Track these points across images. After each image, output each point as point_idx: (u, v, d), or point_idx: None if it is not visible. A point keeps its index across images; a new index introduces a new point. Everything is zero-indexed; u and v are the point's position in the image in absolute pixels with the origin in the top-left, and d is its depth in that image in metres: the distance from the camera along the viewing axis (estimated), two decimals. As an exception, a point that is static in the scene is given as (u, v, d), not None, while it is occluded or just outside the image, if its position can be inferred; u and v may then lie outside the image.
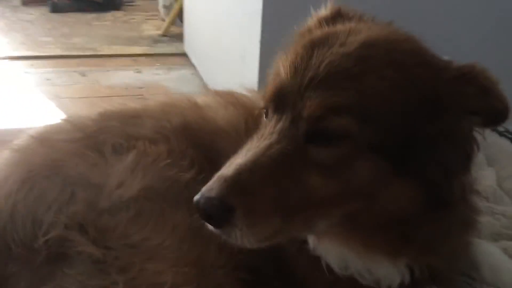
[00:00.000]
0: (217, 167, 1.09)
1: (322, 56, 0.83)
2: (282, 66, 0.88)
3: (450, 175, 0.85)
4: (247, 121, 1.15)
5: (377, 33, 0.88)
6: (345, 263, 0.96)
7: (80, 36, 3.98)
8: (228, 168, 0.81)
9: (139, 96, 2.87)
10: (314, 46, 0.86)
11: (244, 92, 1.30)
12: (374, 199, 0.84)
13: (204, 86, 3.00)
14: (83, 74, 3.14)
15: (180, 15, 3.95)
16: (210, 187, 0.79)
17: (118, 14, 4.89)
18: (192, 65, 3.42)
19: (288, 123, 0.83)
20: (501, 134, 1.78)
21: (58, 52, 3.56)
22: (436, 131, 0.82)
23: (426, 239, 0.90)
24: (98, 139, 1.05)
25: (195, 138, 1.12)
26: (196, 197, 0.80)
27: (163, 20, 4.40)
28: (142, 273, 0.89)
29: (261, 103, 1.16)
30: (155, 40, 4.04)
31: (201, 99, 1.24)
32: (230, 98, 1.21)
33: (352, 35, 0.86)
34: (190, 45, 3.52)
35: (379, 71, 0.82)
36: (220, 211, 0.78)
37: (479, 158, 1.63)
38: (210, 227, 0.83)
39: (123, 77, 3.15)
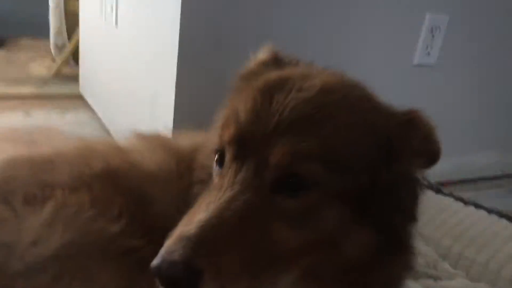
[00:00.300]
0: (147, 216, 1.00)
1: (282, 101, 0.80)
2: (239, 111, 0.83)
3: (405, 218, 0.86)
4: (178, 165, 1.07)
5: (330, 79, 0.87)
6: None
7: (-43, 76, 3.58)
8: (189, 226, 0.72)
9: (30, 141, 2.61)
10: (271, 90, 0.83)
11: (175, 134, 1.22)
12: (335, 248, 0.81)
13: (105, 130, 2.83)
14: (-38, 118, 2.80)
15: (74, 55, 3.75)
16: (171, 249, 0.69)
17: (0, 53, 4.51)
18: (89, 108, 3.22)
19: (252, 172, 0.77)
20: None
21: None
22: (392, 175, 0.82)
23: (375, 286, 0.89)
24: (4, 190, 0.91)
25: (121, 185, 1.00)
26: (156, 263, 0.69)
27: (53, 60, 4.14)
28: None
29: (196, 147, 1.10)
30: (45, 81, 3.76)
31: (122, 143, 1.14)
32: (157, 141, 1.13)
33: (307, 80, 0.84)
34: (87, 86, 3.33)
35: (339, 117, 0.81)
36: (187, 276, 0.68)
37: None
38: None
39: (10, 120, 2.86)
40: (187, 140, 1.16)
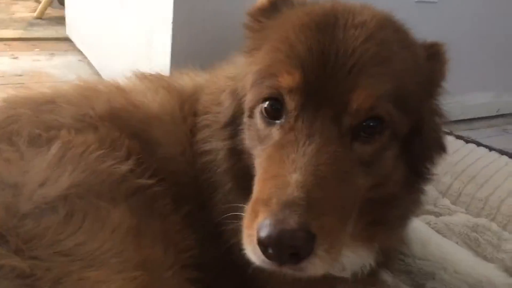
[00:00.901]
0: (152, 158, 0.98)
1: (345, 39, 0.77)
2: (293, 53, 0.77)
3: (436, 150, 0.92)
4: (182, 107, 1.04)
5: (376, 13, 0.85)
6: None
7: None
8: (287, 189, 0.69)
9: (19, 85, 2.54)
10: (325, 27, 0.79)
11: (176, 75, 1.18)
12: (384, 185, 0.83)
13: (96, 73, 2.75)
14: None
15: (58, -4, 3.61)
16: (282, 217, 0.66)
17: (-20, -6, 4.31)
18: (78, 51, 3.12)
19: (330, 120, 0.74)
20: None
21: None
22: (428, 109, 0.86)
23: (391, 221, 0.91)
24: (7, 130, 0.88)
25: (125, 127, 0.98)
26: (268, 232, 0.66)
27: (38, 1, 3.98)
28: (82, 284, 0.73)
29: (199, 88, 1.06)
30: (30, 24, 3.63)
31: (123, 83, 1.10)
32: (160, 82, 1.09)
33: (354, 15, 0.82)
34: (74, 29, 3.21)
35: (400, 54, 0.81)
36: (307, 243, 0.67)
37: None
38: (276, 266, 0.70)
39: (-2, 63, 2.77)
40: (189, 80, 1.12)
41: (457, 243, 1.28)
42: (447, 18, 2.41)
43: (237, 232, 0.92)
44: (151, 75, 1.13)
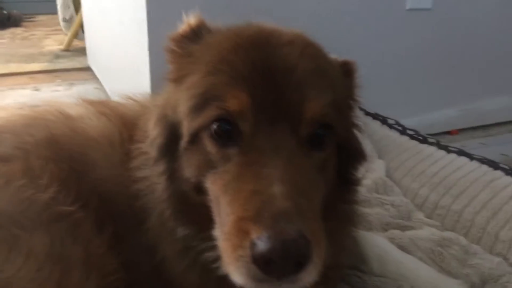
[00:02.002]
0: (88, 180, 1.02)
1: (282, 57, 0.80)
2: (236, 74, 0.79)
3: (359, 159, 0.95)
4: (121, 131, 1.08)
5: (297, 32, 0.89)
6: None
7: (-28, 56, 3.71)
8: (277, 201, 0.69)
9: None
10: (258, 47, 0.81)
11: (124, 101, 1.22)
12: (325, 190, 0.85)
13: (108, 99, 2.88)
14: (-27, 96, 2.91)
15: (83, 27, 3.79)
16: (280, 229, 0.66)
17: (17, 31, 4.64)
18: (96, 79, 3.28)
19: (287, 133, 0.77)
20: (391, 126, 1.84)
21: None
22: (350, 122, 0.93)
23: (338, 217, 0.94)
24: None
25: (61, 151, 1.02)
26: (269, 247, 0.65)
27: (66, 34, 4.21)
28: None
29: (141, 114, 1.09)
30: (56, 56, 3.85)
31: (74, 110, 1.16)
32: (102, 108, 1.14)
33: (282, 34, 0.85)
34: (93, 58, 3.38)
35: (329, 68, 0.87)
36: (309, 250, 0.67)
37: (370, 151, 1.68)
38: (274, 282, 0.68)
39: (19, 96, 2.95)
40: (134, 106, 1.16)
41: (421, 258, 1.23)
42: (442, 25, 2.34)
43: (176, 254, 0.96)
44: (97, 102, 1.18)
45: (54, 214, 0.92)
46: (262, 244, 0.65)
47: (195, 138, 0.84)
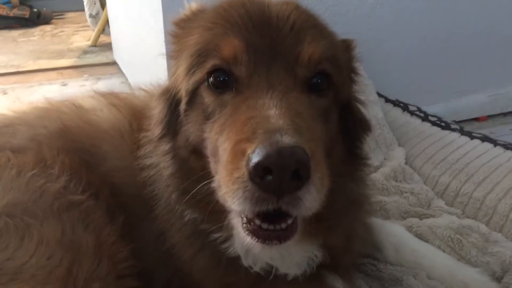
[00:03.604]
0: (99, 171, 1.04)
1: (277, 9, 0.82)
2: (231, 25, 0.81)
3: (364, 129, 0.96)
4: (131, 122, 1.10)
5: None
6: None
7: (3, 54, 3.82)
8: (272, 119, 0.68)
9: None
10: (254, 3, 0.84)
11: (136, 92, 1.24)
12: (332, 156, 0.85)
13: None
14: (4, 92, 3.00)
15: (109, 23, 3.85)
16: (275, 140, 0.63)
17: (47, 28, 4.75)
18: (122, 73, 3.32)
19: (283, 72, 0.77)
20: (412, 113, 1.80)
21: (-21, 72, 3.40)
22: (353, 93, 0.94)
23: (333, 215, 0.89)
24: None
25: (73, 143, 1.05)
26: (264, 154, 0.62)
27: (94, 30, 4.28)
28: None
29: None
30: (84, 52, 3.92)
31: (87, 102, 1.18)
32: (113, 100, 1.16)
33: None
34: (118, 52, 3.42)
35: (326, 27, 0.89)
36: (307, 160, 0.63)
37: (390, 138, 1.64)
38: (273, 200, 0.65)
39: (47, 91, 3.02)
40: (144, 97, 1.17)
41: (439, 246, 1.20)
42: (471, 5, 2.25)
43: (185, 239, 0.97)
44: (108, 93, 1.20)
45: (65, 203, 0.94)
46: (256, 156, 0.63)
47: (193, 96, 0.85)
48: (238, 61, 0.78)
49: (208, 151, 0.82)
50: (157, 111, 0.97)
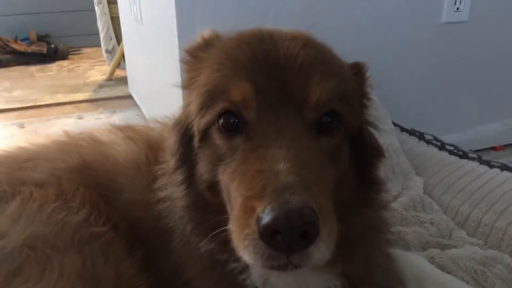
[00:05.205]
0: (116, 204, 1.05)
1: (284, 48, 0.81)
2: (240, 67, 0.81)
3: (377, 155, 0.94)
4: (147, 154, 1.11)
5: (295, 30, 0.89)
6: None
7: (21, 88, 3.90)
8: (281, 176, 0.68)
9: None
10: (262, 41, 0.83)
11: (152, 124, 1.26)
12: (343, 187, 0.85)
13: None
14: (21, 126, 3.05)
15: (124, 57, 3.93)
16: (284, 200, 0.65)
17: (64, 63, 4.85)
18: (137, 106, 3.38)
19: (292, 116, 0.77)
20: (428, 142, 1.78)
21: (-3, 107, 3.47)
22: (365, 119, 0.93)
23: (351, 242, 0.88)
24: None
25: (92, 177, 1.07)
26: (273, 217, 0.64)
27: (109, 65, 4.37)
28: None
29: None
30: (100, 85, 3.99)
31: (104, 136, 1.20)
32: (130, 133, 1.17)
33: (285, 33, 0.86)
34: (133, 86, 3.49)
35: (335, 60, 0.88)
36: (315, 220, 0.65)
37: (407, 168, 1.63)
38: (282, 259, 0.67)
39: (63, 124, 3.07)
40: (159, 129, 1.19)
41: (462, 278, 1.17)
42: (480, 37, 2.27)
43: (202, 272, 0.96)
44: (125, 127, 1.22)
45: (86, 235, 0.94)
46: (266, 217, 0.64)
47: (205, 135, 0.86)
48: (248, 105, 0.79)
49: (223, 192, 0.83)
50: (171, 143, 0.97)
